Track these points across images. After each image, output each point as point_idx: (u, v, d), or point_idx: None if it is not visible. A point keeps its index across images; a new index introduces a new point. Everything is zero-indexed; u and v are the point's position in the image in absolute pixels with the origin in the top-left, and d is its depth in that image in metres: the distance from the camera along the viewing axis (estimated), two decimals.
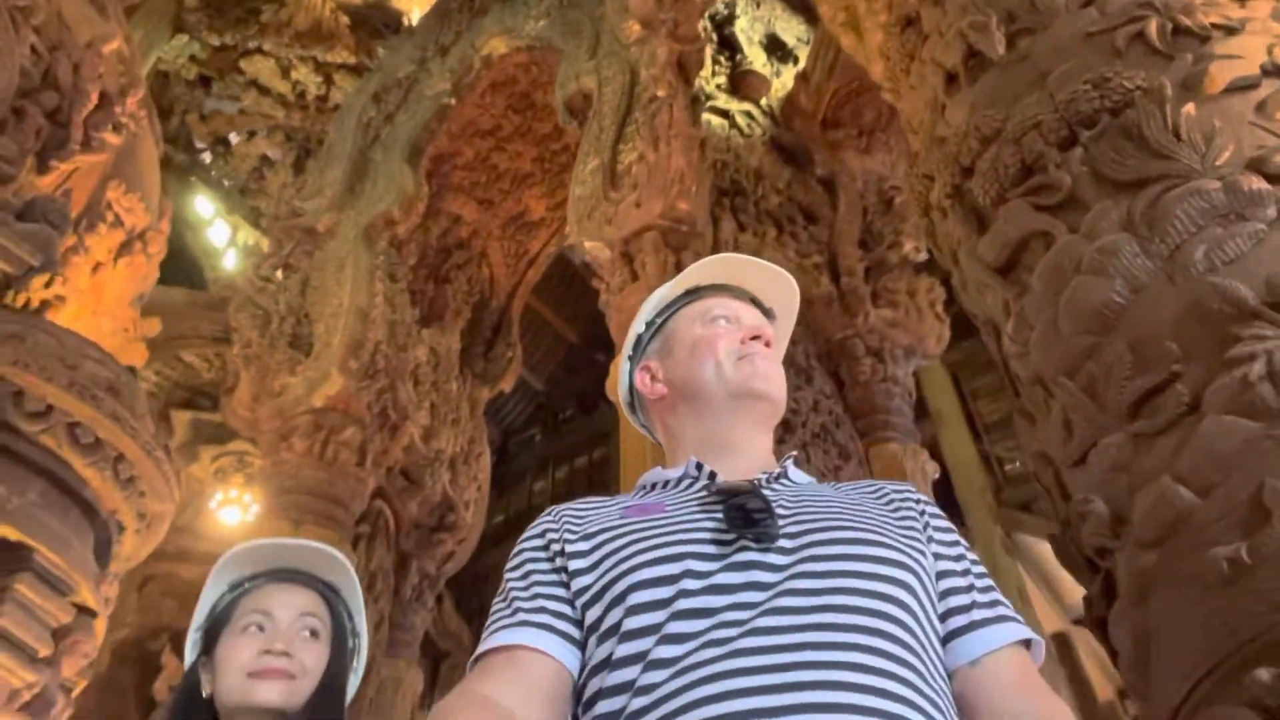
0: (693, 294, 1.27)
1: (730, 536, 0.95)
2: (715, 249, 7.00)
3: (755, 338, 1.21)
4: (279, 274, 8.31)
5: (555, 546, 1.05)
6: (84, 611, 4.50)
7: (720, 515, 0.99)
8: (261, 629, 1.33)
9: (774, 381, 1.20)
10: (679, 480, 1.13)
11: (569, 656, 0.96)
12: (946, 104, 2.35)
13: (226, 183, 10.60)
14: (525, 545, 1.09)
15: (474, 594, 10.34)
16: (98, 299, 4.79)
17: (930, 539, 1.08)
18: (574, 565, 1.01)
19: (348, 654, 1.40)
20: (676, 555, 0.95)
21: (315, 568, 1.40)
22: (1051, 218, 1.98)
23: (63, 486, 4.53)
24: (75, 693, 4.50)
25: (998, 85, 2.21)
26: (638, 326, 1.29)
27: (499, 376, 9.12)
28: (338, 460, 7.09)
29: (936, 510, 1.17)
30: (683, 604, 0.90)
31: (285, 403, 7.33)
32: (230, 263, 10.56)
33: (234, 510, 9.40)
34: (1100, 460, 1.79)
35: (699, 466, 1.13)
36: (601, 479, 10.05)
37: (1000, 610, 1.03)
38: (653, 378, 1.25)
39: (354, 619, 1.43)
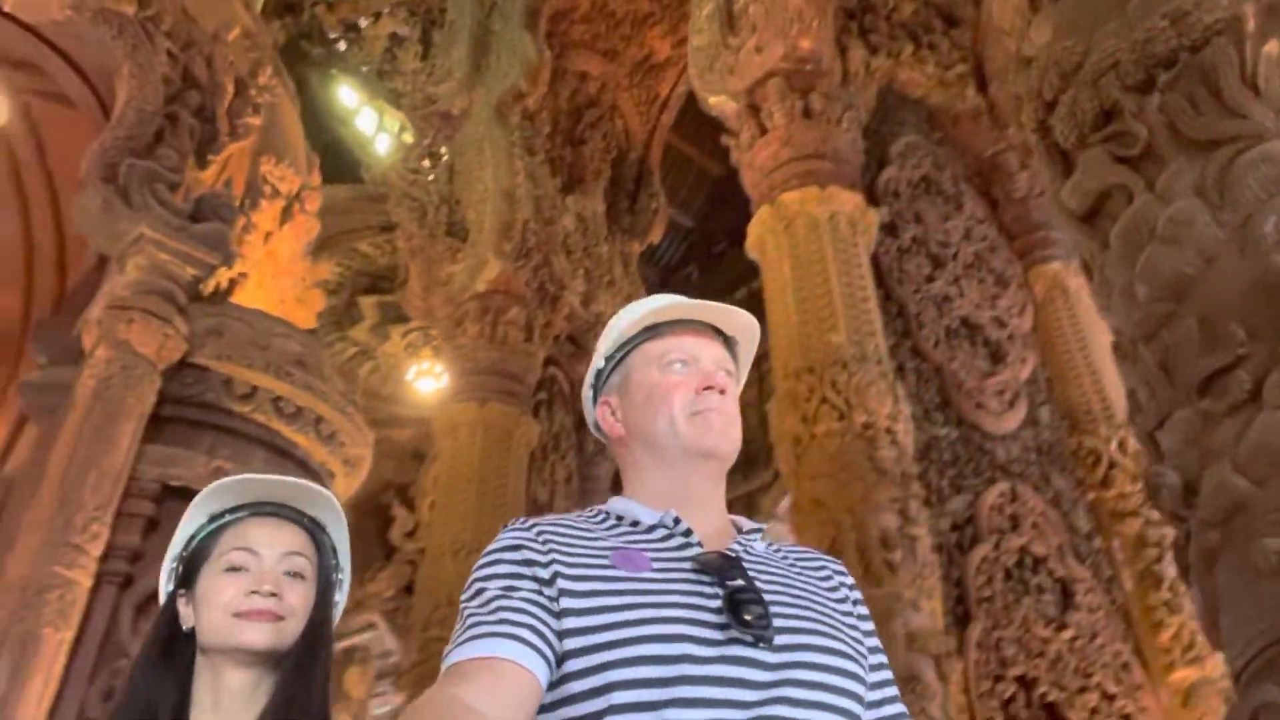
0: (653, 329, 1.25)
1: (724, 620, 1.00)
2: (845, 82, 6.71)
3: (709, 388, 1.20)
4: (425, 163, 8.69)
5: (543, 573, 1.04)
6: None
7: (707, 587, 1.04)
8: (246, 567, 1.28)
9: (728, 437, 1.20)
10: (654, 528, 1.14)
11: (545, 678, 0.97)
12: (1031, 19, 2.20)
13: (364, 69, 10.91)
14: (503, 556, 1.08)
15: None
16: (274, 263, 5.34)
17: (861, 632, 1.18)
18: (566, 603, 1.02)
19: (333, 592, 1.37)
20: (676, 636, 0.98)
21: (299, 502, 1.35)
22: (1130, 171, 1.89)
23: (279, 451, 5.29)
24: None
25: (1079, 6, 2.05)
26: (597, 361, 1.29)
27: (647, 229, 9.30)
28: (508, 339, 7.65)
29: (858, 594, 1.26)
30: (683, 691, 0.95)
31: (452, 291, 7.88)
32: (383, 147, 11.06)
33: (429, 380, 10.38)
34: (1174, 432, 1.81)
35: (676, 520, 1.14)
36: (759, 310, 10.21)
37: (897, 709, 1.17)
38: (613, 413, 1.24)
39: (339, 555, 1.39)
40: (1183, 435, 1.78)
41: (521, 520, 1.14)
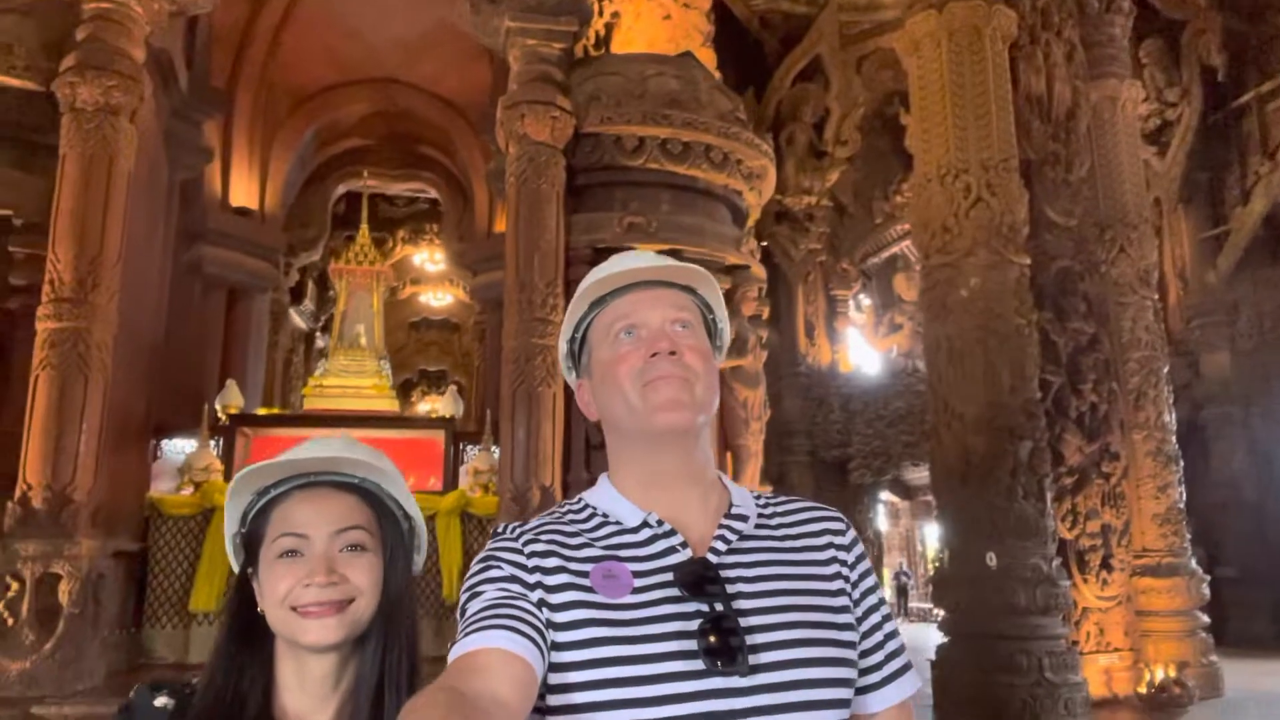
0: (599, 301, 1.18)
1: (699, 650, 1.02)
2: None
3: (655, 354, 1.12)
4: None
5: (529, 579, 1.06)
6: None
7: (688, 604, 1.05)
8: (299, 551, 1.18)
9: (681, 405, 1.11)
10: (639, 528, 1.12)
11: (539, 665, 1.00)
12: None
13: None
14: (503, 558, 1.09)
15: None
16: None
17: (856, 595, 1.17)
18: (549, 615, 1.04)
19: (406, 549, 1.27)
20: (655, 676, 1.02)
21: (345, 466, 1.23)
22: None
23: (681, 188, 5.61)
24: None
25: None
26: (561, 346, 1.24)
27: None
28: None
29: (859, 550, 1.21)
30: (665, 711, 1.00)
31: None
32: None
33: None
34: None
35: (660, 522, 1.12)
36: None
37: (897, 663, 1.17)
38: (589, 394, 1.19)
39: (402, 504, 1.27)
40: None
41: (510, 529, 1.13)
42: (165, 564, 5.68)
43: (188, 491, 5.92)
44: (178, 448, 6.26)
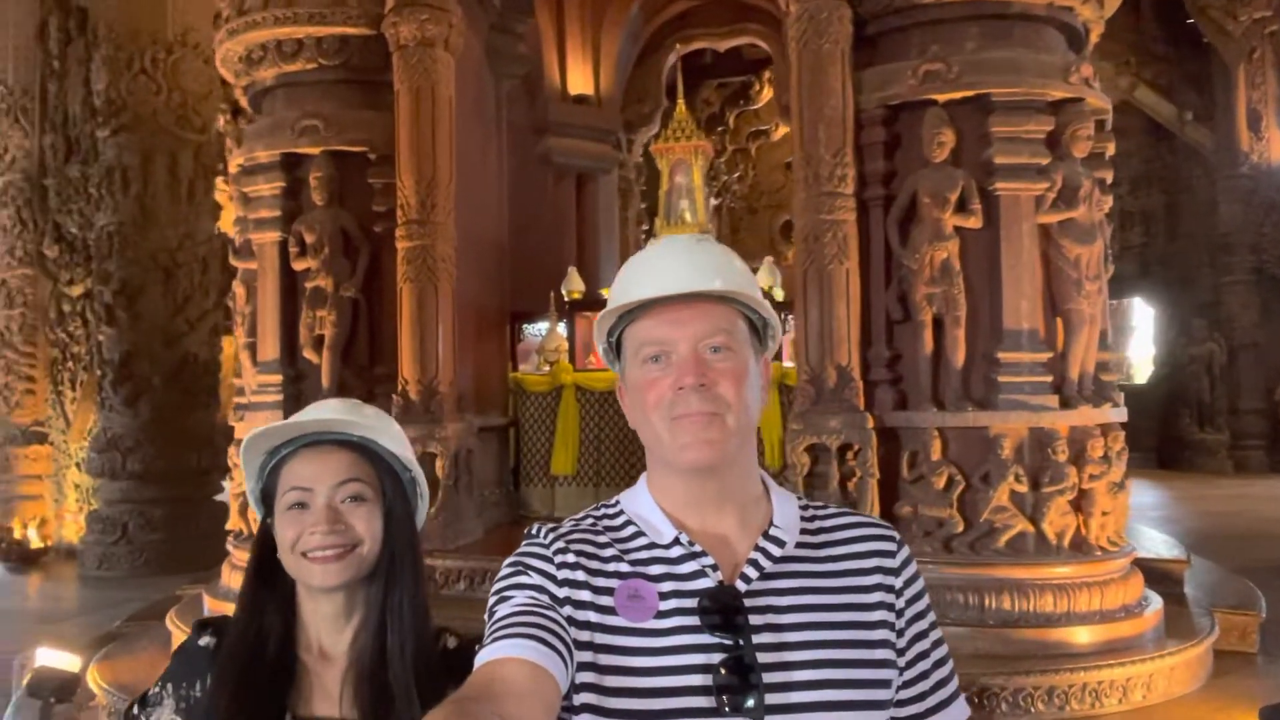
0: (634, 311, 1.10)
1: (712, 686, 0.99)
2: None
3: (682, 388, 1.05)
4: None
5: (559, 593, 1.05)
6: None
7: (710, 636, 1.02)
8: (305, 503, 1.32)
9: (707, 447, 1.05)
10: (670, 545, 1.09)
11: (563, 677, 0.99)
12: None
13: None
14: (533, 565, 1.09)
15: None
16: None
17: (901, 625, 1.11)
18: (576, 634, 1.03)
19: (405, 499, 1.40)
20: (668, 712, 1.00)
21: (342, 426, 1.35)
22: None
23: (991, 17, 4.87)
24: None
25: None
26: (599, 345, 1.19)
27: None
28: None
29: (910, 571, 1.14)
30: None
31: None
32: None
33: None
34: None
35: (690, 541, 1.09)
36: None
37: (943, 693, 1.13)
38: (628, 400, 1.15)
39: (400, 458, 1.40)
40: None
41: (543, 533, 1.13)
42: (530, 434, 6.64)
43: (545, 370, 6.74)
44: (538, 330, 7.09)
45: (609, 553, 1.10)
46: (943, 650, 1.15)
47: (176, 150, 10.74)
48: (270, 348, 5.61)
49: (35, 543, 10.89)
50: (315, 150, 5.52)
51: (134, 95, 10.68)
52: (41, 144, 11.84)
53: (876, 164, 5.03)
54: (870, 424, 4.82)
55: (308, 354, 5.53)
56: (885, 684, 1.07)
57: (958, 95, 4.85)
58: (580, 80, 8.55)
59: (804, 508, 1.16)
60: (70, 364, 11.70)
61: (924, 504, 4.85)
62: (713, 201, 15.33)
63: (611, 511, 1.16)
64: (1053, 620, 4.55)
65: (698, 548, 1.08)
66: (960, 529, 4.80)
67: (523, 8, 6.81)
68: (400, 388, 5.39)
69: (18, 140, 11.83)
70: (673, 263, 1.09)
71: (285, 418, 1.41)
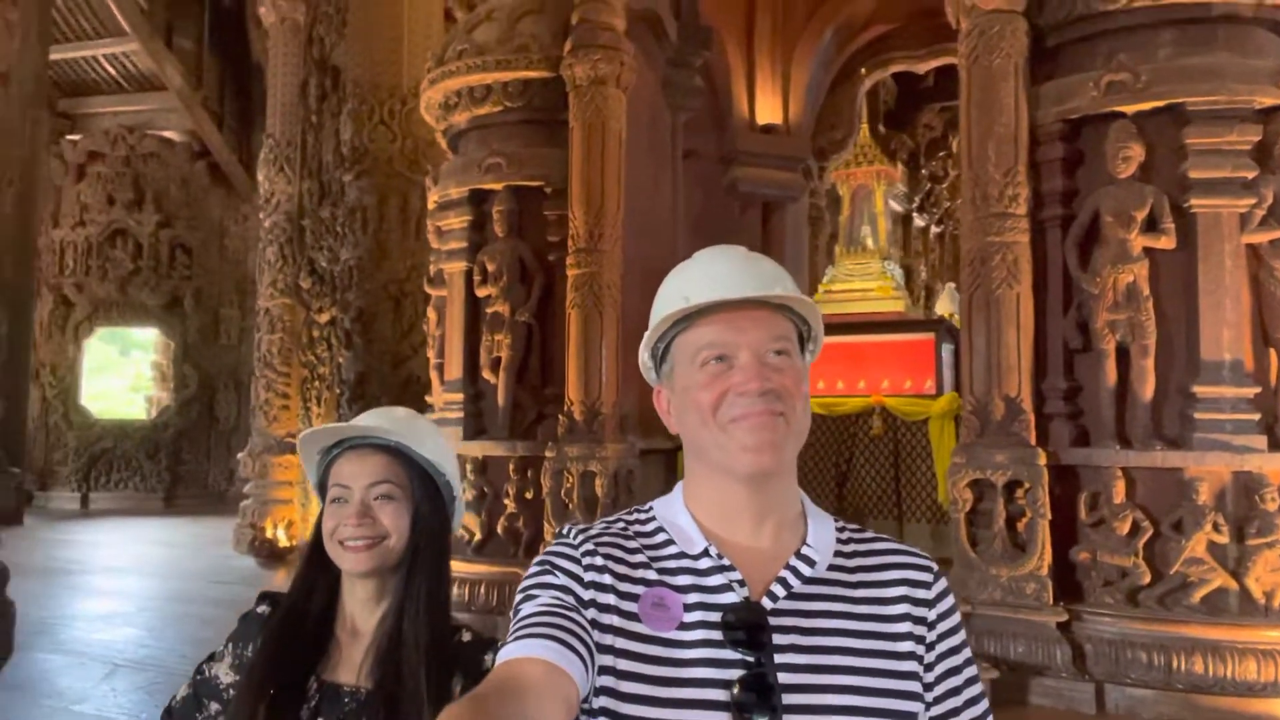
0: (690, 317, 1.08)
1: (729, 702, 0.98)
2: None
3: (743, 393, 1.02)
4: None
5: (584, 595, 1.05)
6: None
7: (731, 651, 1.00)
8: (344, 499, 1.47)
9: (765, 451, 1.02)
10: (700, 555, 1.08)
11: (583, 680, 0.98)
12: None
13: None
14: (560, 566, 1.08)
15: None
16: None
17: (931, 659, 1.07)
18: (599, 638, 1.02)
19: (433, 500, 1.51)
20: None
21: (383, 433, 1.49)
22: None
23: (1189, 21, 4.45)
24: None
25: None
26: (642, 355, 1.16)
27: None
28: None
29: (945, 605, 1.09)
30: None
31: None
32: None
33: None
34: None
35: (719, 554, 1.07)
36: None
37: (974, 712, 1.07)
38: (667, 406, 1.13)
39: (434, 463, 1.52)
40: None
41: (573, 534, 1.12)
42: None
43: None
44: None
45: (638, 558, 1.09)
46: (976, 689, 1.09)
47: (407, 191, 11.82)
48: (455, 368, 6.04)
49: (283, 542, 12.20)
50: (498, 186, 5.93)
51: (374, 143, 11.90)
52: (301, 189, 13.45)
53: (1054, 182, 4.71)
54: (1042, 460, 4.48)
55: (486, 374, 5.91)
56: (911, 716, 1.03)
57: (1147, 106, 4.45)
58: (769, 110, 8.59)
59: (840, 529, 1.13)
60: (317, 383, 13.11)
61: (1104, 550, 4.43)
62: (934, 230, 14.78)
63: (644, 517, 1.15)
64: (1255, 690, 4.00)
65: (726, 561, 1.06)
66: (1146, 580, 4.34)
67: (700, 42, 6.97)
68: (565, 408, 5.63)
69: (282, 186, 13.51)
70: (732, 268, 1.09)
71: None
